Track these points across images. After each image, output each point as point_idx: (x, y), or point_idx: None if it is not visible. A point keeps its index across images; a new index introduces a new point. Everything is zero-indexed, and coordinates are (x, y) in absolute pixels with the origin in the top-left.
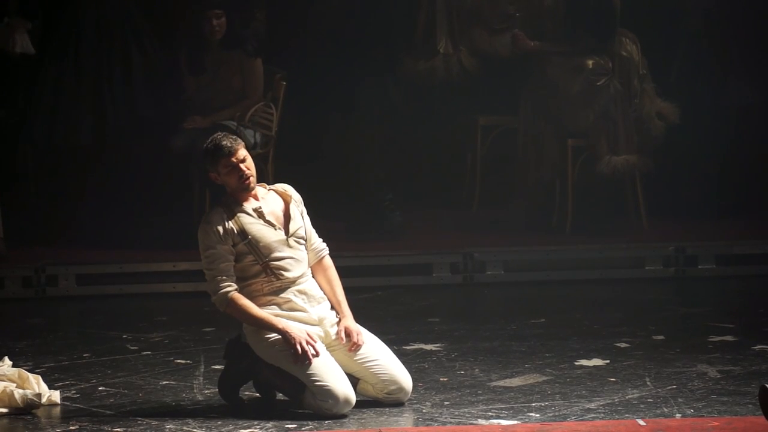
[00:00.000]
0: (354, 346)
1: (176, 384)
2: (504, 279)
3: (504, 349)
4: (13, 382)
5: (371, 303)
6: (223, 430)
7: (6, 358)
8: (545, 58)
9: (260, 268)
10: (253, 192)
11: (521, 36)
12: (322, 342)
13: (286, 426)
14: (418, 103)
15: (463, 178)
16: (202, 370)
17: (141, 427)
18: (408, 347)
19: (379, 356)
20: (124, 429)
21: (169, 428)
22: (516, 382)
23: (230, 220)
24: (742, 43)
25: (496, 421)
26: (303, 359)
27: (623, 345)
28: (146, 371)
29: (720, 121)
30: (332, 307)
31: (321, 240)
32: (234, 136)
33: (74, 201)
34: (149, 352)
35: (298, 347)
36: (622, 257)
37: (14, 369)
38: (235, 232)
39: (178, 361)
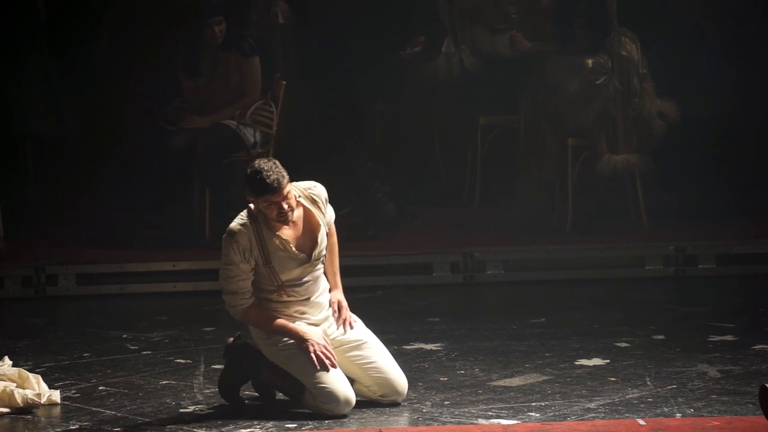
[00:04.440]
0: (342, 321)
1: (176, 383)
2: (504, 278)
3: (504, 349)
4: (13, 381)
5: (371, 302)
6: (223, 430)
7: (6, 358)
8: (544, 58)
9: (275, 288)
10: None
11: (519, 37)
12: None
13: (286, 426)
14: (418, 102)
15: (463, 178)
16: (202, 369)
17: (141, 427)
18: (408, 347)
19: (376, 359)
20: (124, 429)
21: (169, 428)
22: (516, 381)
23: (257, 243)
24: (744, 42)
25: (496, 421)
26: (321, 367)
27: (623, 344)
28: (146, 371)
29: (720, 121)
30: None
31: (331, 209)
32: (280, 170)
33: (74, 201)
34: (149, 352)
35: (313, 357)
36: (622, 257)
37: (14, 369)
38: (260, 255)
39: (178, 360)
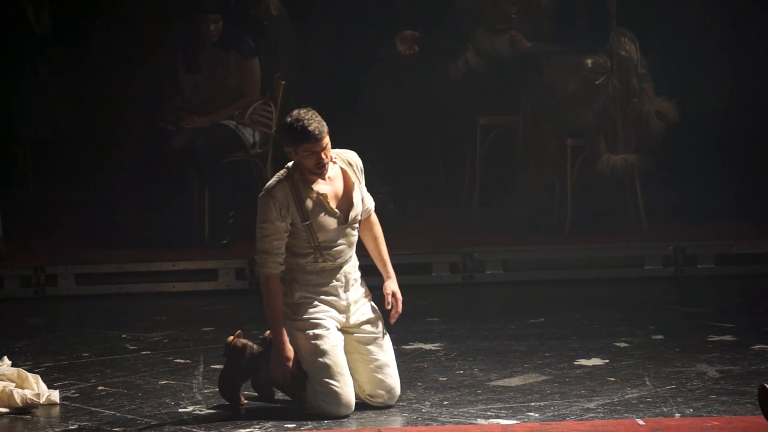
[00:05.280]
0: (396, 314)
1: (175, 383)
2: (503, 278)
3: (503, 349)
4: (13, 381)
5: None
6: (222, 430)
7: (5, 358)
8: (543, 58)
9: (311, 251)
10: None
11: (518, 37)
12: (341, 326)
13: (286, 426)
14: (419, 102)
15: (462, 178)
16: (201, 369)
17: (140, 427)
18: (407, 347)
19: (381, 357)
20: (123, 429)
21: (168, 428)
22: (515, 381)
23: (294, 199)
24: (742, 40)
25: (495, 421)
26: (275, 372)
27: (622, 344)
28: (145, 371)
29: (720, 120)
30: (361, 271)
31: (370, 196)
32: (320, 119)
33: (73, 201)
34: (148, 352)
35: (278, 372)
36: (622, 256)
37: (13, 368)
38: (297, 213)
39: (178, 360)
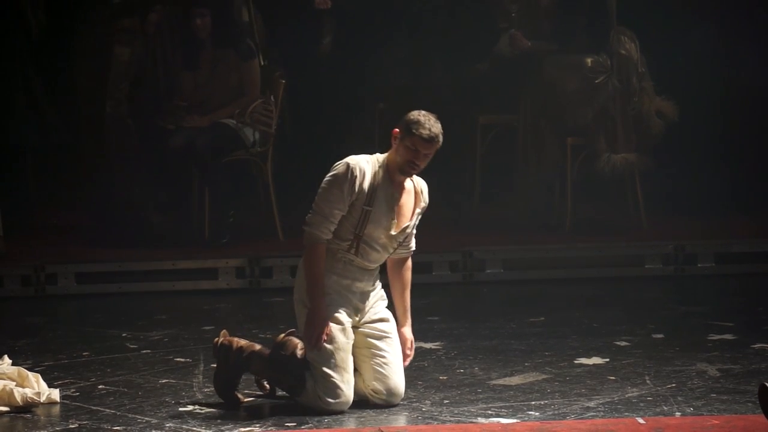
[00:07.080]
0: (406, 357)
1: (176, 382)
2: (503, 277)
3: (503, 348)
4: (13, 380)
5: None
6: (222, 428)
7: (5, 357)
8: (543, 57)
9: (352, 238)
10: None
11: (518, 36)
12: (353, 323)
13: (286, 424)
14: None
15: (462, 177)
16: (201, 368)
17: (140, 426)
18: None
19: (387, 354)
20: (124, 427)
21: (169, 427)
22: (515, 380)
23: (371, 181)
24: (746, 36)
25: (495, 420)
26: (309, 346)
27: (623, 343)
28: (145, 369)
29: (720, 119)
30: (386, 303)
31: (415, 241)
32: (442, 133)
33: (73, 200)
34: (148, 351)
35: (311, 339)
36: (622, 255)
37: (14, 367)
38: (365, 193)
39: (178, 359)
